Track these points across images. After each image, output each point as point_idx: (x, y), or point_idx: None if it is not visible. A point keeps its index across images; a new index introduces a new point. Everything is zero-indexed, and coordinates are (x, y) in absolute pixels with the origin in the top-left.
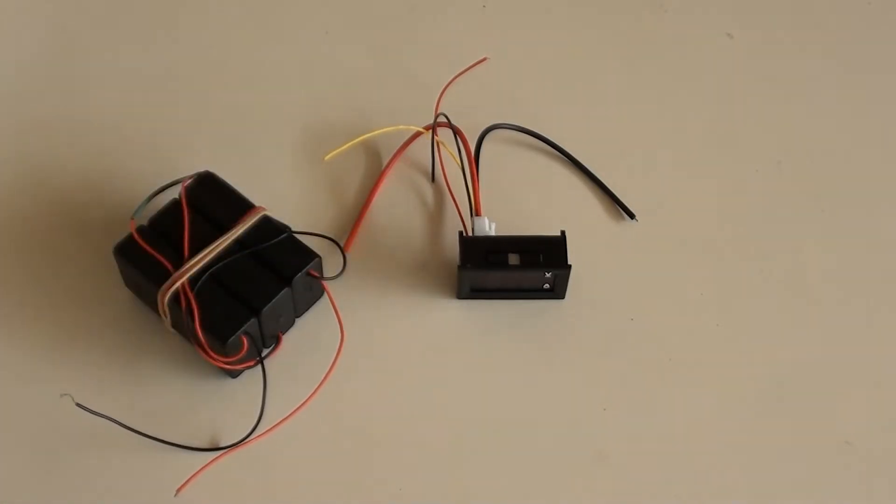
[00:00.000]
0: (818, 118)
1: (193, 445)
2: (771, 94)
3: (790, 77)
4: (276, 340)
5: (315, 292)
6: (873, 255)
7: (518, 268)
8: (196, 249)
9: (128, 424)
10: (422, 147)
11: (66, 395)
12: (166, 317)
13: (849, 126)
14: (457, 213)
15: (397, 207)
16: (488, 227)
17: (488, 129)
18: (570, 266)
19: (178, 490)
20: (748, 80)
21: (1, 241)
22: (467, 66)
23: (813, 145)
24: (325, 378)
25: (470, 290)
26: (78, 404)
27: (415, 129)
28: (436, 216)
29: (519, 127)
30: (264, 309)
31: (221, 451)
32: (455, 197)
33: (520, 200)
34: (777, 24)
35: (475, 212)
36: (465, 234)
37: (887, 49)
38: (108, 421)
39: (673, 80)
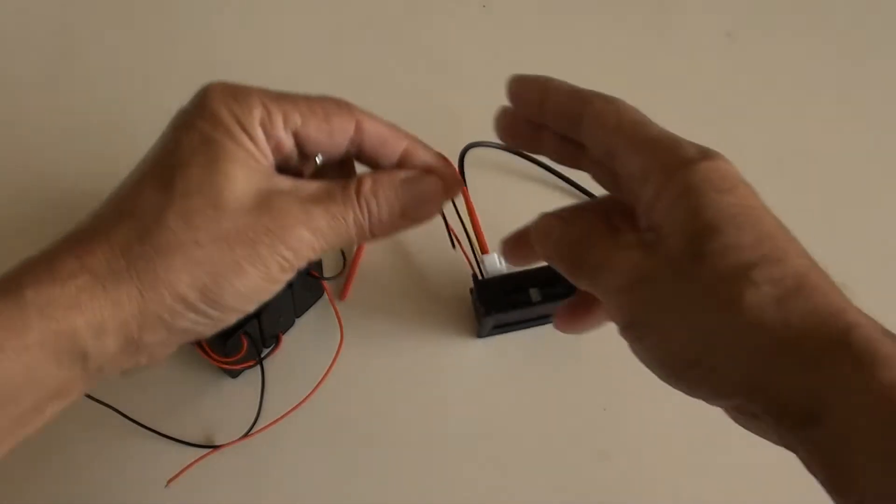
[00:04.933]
0: (818, 118)
1: (190, 441)
2: (771, 93)
3: (790, 77)
4: (276, 340)
5: (315, 292)
6: (874, 254)
7: (541, 302)
8: None
9: (125, 413)
10: None
11: None
12: None
13: (849, 125)
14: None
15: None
16: (499, 263)
17: (467, 147)
18: None
19: (170, 481)
20: (748, 80)
21: (0, 241)
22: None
23: (813, 145)
24: (323, 378)
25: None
26: None
27: None
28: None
29: (496, 144)
30: (264, 309)
31: (216, 448)
32: (458, 237)
33: (512, 222)
34: (777, 24)
35: (482, 250)
36: (478, 277)
37: (888, 48)
38: (105, 409)
39: (672, 79)
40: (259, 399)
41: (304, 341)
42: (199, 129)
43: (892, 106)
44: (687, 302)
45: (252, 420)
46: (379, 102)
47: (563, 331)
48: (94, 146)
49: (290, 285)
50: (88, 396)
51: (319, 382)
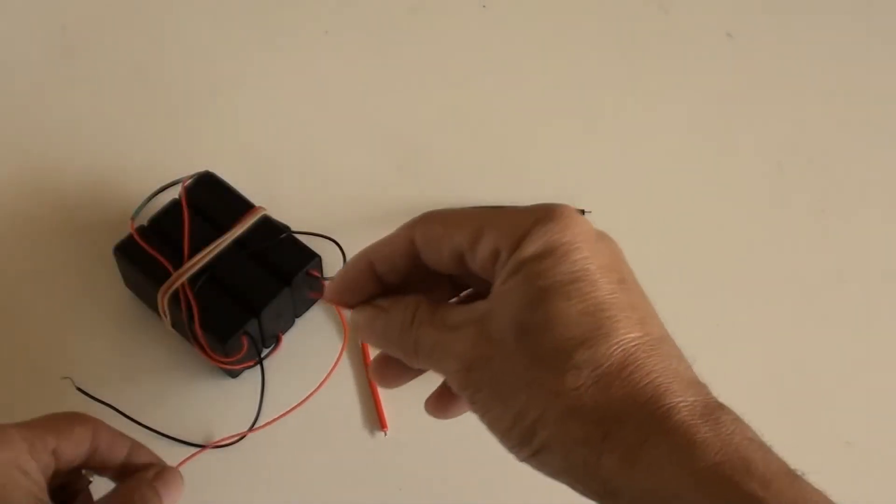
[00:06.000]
0: (818, 118)
1: (189, 440)
2: (771, 93)
3: (790, 77)
4: (276, 340)
5: (315, 292)
6: (874, 254)
7: None
8: (196, 249)
9: (125, 412)
10: None
11: (66, 378)
12: (166, 317)
13: (849, 126)
14: None
15: None
16: None
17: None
18: None
19: None
20: (748, 80)
21: (1, 241)
22: None
23: (813, 145)
24: (324, 378)
25: None
26: (78, 388)
27: None
28: None
29: None
30: (264, 309)
31: (215, 447)
32: None
33: None
34: (777, 24)
35: None
36: None
37: (888, 48)
38: (105, 407)
39: (673, 80)
40: (259, 399)
41: (304, 341)
42: None
43: (893, 105)
44: (516, 383)
45: (252, 420)
46: (379, 102)
47: (436, 416)
48: (94, 146)
49: (289, 285)
50: (88, 395)
51: (321, 383)
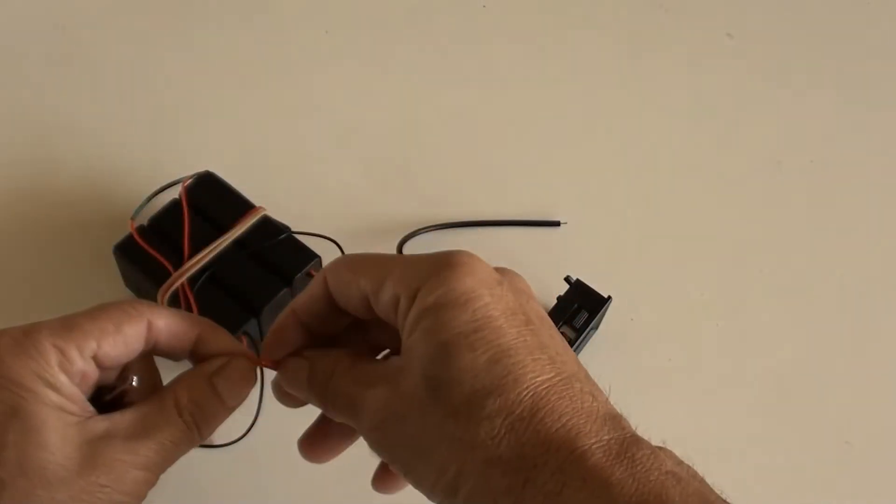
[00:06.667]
0: (818, 118)
1: None
2: (771, 93)
3: (790, 77)
4: None
5: None
6: (873, 254)
7: (587, 321)
8: (196, 249)
9: None
10: None
11: None
12: None
13: (848, 126)
14: None
15: None
16: None
17: (405, 238)
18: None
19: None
20: (748, 80)
21: (1, 241)
22: None
23: (813, 145)
24: None
25: None
26: None
27: None
28: None
29: (436, 226)
30: (264, 309)
31: (214, 448)
32: None
33: None
34: (777, 24)
35: None
36: None
37: (887, 48)
38: None
39: (673, 80)
40: (258, 399)
41: None
42: (1, 400)
43: (892, 105)
44: (433, 438)
45: (251, 420)
46: (380, 101)
47: (311, 459)
48: (94, 146)
49: (289, 285)
50: None
51: None
